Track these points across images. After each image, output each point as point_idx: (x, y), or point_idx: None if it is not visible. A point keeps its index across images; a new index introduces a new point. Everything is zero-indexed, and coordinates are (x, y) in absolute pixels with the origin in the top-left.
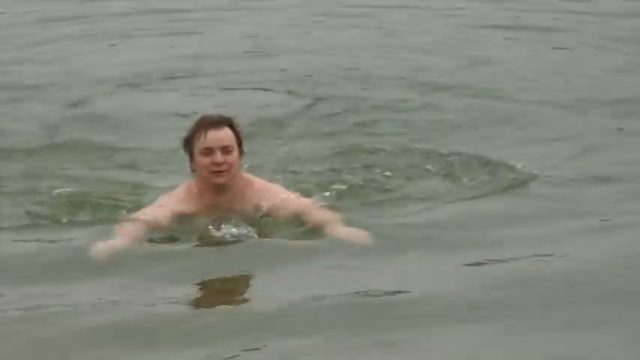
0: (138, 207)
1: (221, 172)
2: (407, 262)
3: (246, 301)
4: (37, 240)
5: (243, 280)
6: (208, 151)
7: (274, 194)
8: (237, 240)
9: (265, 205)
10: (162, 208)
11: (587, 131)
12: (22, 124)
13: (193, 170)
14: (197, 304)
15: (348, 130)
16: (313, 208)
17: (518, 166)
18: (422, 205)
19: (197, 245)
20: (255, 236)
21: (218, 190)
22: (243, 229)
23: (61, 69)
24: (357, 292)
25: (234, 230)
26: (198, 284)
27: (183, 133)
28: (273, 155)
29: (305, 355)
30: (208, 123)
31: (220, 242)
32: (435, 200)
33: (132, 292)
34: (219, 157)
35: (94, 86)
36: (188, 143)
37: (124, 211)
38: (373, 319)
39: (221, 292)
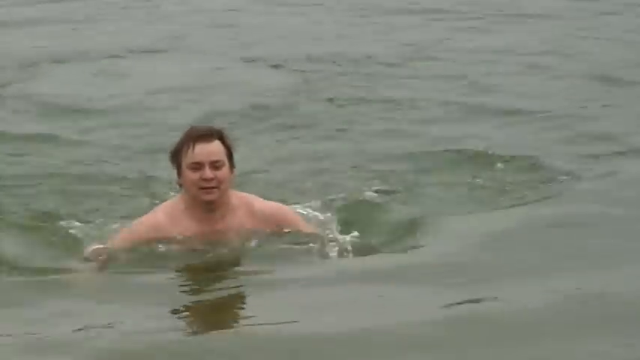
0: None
1: (211, 188)
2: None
3: (242, 325)
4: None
5: (238, 305)
6: (197, 166)
7: (270, 213)
8: (231, 263)
9: (261, 230)
10: (126, 240)
11: None
12: None
13: (180, 185)
14: (192, 330)
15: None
16: (303, 227)
17: None
18: None
19: (185, 270)
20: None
21: (207, 208)
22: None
23: None
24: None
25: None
26: (189, 311)
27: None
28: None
29: None
30: (196, 135)
31: (211, 266)
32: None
33: (124, 319)
34: (208, 172)
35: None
36: (175, 156)
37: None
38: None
39: (216, 316)
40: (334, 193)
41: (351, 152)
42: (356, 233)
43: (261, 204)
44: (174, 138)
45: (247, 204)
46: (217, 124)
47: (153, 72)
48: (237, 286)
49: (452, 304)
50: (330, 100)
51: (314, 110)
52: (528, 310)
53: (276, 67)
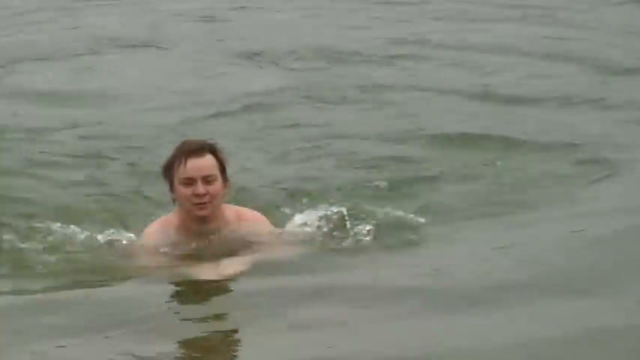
0: None
1: (203, 204)
2: None
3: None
4: None
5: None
6: (189, 182)
7: (262, 228)
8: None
9: (253, 241)
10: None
11: None
12: None
13: (174, 200)
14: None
15: None
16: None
17: None
18: None
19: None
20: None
21: (201, 222)
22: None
23: None
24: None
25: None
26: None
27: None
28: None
29: None
30: (188, 150)
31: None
32: None
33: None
34: (200, 188)
35: None
36: (167, 171)
37: None
38: None
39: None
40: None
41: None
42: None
43: (257, 218)
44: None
45: (239, 217)
46: (205, 129)
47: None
48: (233, 315)
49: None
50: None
51: (306, 108)
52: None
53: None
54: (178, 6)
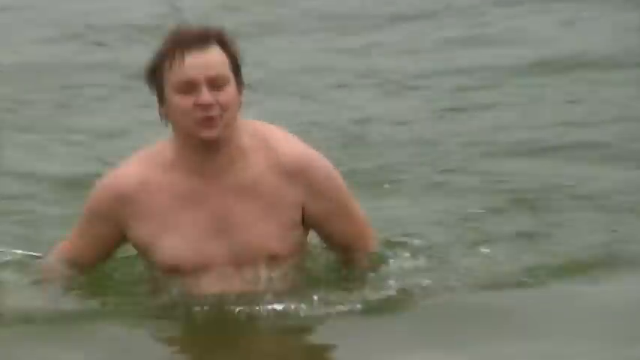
0: None
1: (211, 118)
2: None
3: None
4: None
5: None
6: (188, 87)
7: (296, 166)
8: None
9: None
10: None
11: None
12: None
13: (166, 118)
14: None
15: None
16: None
17: None
18: None
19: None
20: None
21: (208, 150)
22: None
23: None
24: None
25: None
26: None
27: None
28: None
29: None
30: (184, 41)
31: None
32: None
33: None
34: (206, 94)
35: None
36: (154, 74)
37: None
38: None
39: None
40: None
41: None
42: None
43: (287, 148)
44: None
45: (268, 146)
46: None
47: None
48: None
49: None
50: None
51: None
52: None
53: None
54: None
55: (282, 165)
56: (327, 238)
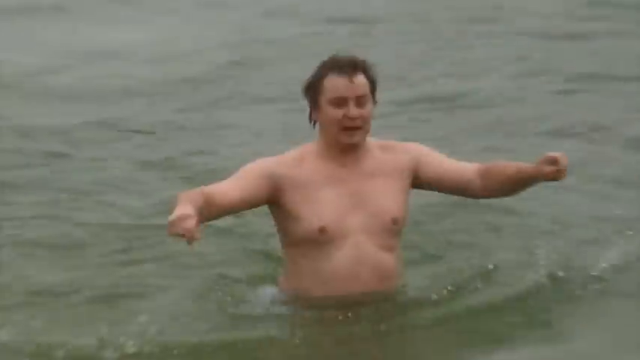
0: None
1: (355, 128)
2: None
3: None
4: None
5: None
6: (340, 102)
7: (412, 147)
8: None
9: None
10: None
11: None
12: None
13: (315, 122)
14: None
15: None
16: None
17: None
18: None
19: None
20: None
21: (348, 150)
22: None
23: None
24: None
25: None
26: None
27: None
28: None
29: None
30: (341, 66)
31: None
32: None
33: None
34: (353, 110)
35: None
36: (311, 88)
37: None
38: None
39: None
40: None
41: None
42: None
43: (398, 146)
44: None
45: (383, 148)
46: None
47: None
48: None
49: None
50: None
51: None
52: None
53: None
54: None
55: (393, 148)
56: (441, 181)
